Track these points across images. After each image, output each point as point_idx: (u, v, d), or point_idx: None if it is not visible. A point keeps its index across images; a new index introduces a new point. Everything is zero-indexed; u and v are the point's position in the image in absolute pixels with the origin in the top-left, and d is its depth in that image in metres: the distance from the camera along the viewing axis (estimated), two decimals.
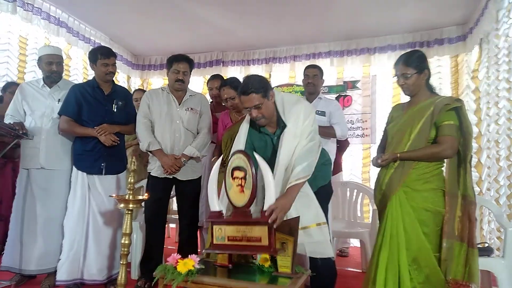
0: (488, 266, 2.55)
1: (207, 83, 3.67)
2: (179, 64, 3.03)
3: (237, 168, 2.09)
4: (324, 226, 2.22)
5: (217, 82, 3.52)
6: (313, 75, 3.61)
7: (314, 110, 2.36)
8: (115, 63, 3.04)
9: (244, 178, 2.06)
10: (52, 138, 2.98)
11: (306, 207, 2.19)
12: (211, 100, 3.73)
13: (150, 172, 3.07)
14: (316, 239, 2.20)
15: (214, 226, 2.09)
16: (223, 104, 3.21)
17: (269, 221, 1.97)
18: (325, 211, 2.51)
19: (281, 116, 2.26)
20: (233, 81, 3.05)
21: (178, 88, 3.07)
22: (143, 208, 3.07)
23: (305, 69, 3.72)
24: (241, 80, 2.59)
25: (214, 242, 2.08)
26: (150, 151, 2.99)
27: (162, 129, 3.03)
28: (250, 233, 2.00)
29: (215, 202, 2.15)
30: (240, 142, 2.37)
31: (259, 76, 2.31)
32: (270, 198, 2.02)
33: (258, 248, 1.97)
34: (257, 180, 2.05)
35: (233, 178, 2.09)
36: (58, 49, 3.13)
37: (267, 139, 2.38)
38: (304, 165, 2.14)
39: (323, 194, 2.43)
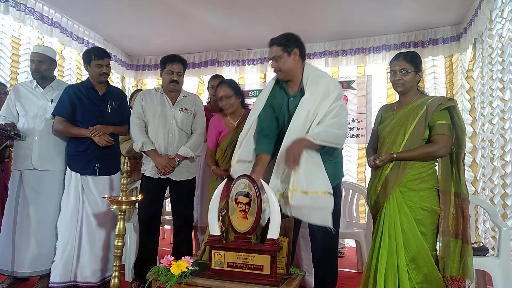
0: (483, 265, 2.55)
1: (209, 81, 3.67)
2: (173, 64, 3.02)
3: (242, 193, 2.07)
4: (329, 196, 2.20)
5: (216, 82, 3.52)
6: None
7: (340, 89, 2.34)
8: (109, 64, 3.03)
9: (249, 204, 2.04)
10: (45, 139, 2.96)
11: (315, 173, 2.20)
12: (208, 99, 3.75)
13: (144, 173, 3.05)
14: (319, 205, 2.19)
15: (213, 251, 2.05)
16: (218, 103, 3.08)
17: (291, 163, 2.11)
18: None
19: (303, 82, 2.31)
20: (231, 81, 3.00)
21: (173, 89, 3.06)
22: (137, 210, 3.05)
23: None
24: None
25: (212, 266, 2.04)
26: (144, 152, 2.98)
27: (156, 129, 3.01)
28: (251, 261, 1.98)
29: (215, 226, 2.11)
30: (263, 97, 2.45)
31: (291, 34, 2.38)
32: (275, 228, 1.98)
33: (259, 276, 1.95)
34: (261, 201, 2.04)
35: (237, 203, 2.07)
36: (42, 48, 3.09)
37: (284, 98, 2.40)
38: (321, 130, 2.18)
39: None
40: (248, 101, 3.19)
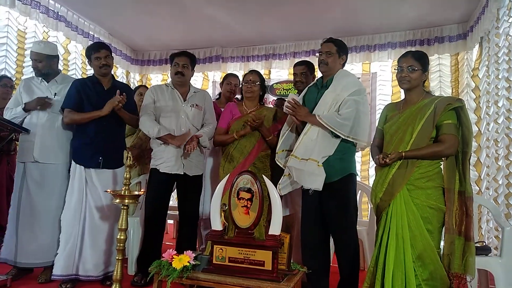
0: (485, 265, 2.56)
1: (225, 77, 3.71)
2: (179, 58, 3.10)
3: (244, 189, 2.10)
4: (321, 168, 2.49)
5: (235, 80, 3.63)
6: (301, 72, 3.33)
7: (360, 86, 2.63)
8: (108, 55, 3.00)
9: (250, 200, 2.06)
10: (48, 132, 2.98)
11: (323, 146, 2.51)
12: (217, 96, 3.82)
13: (155, 168, 3.01)
14: (309, 171, 2.47)
15: (215, 246, 2.06)
16: (243, 85, 3.11)
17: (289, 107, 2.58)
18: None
19: (332, 79, 2.64)
20: (261, 74, 3.15)
21: (178, 81, 3.08)
22: (141, 204, 3.04)
23: (293, 67, 3.54)
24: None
25: (214, 261, 2.05)
26: (161, 138, 2.96)
27: (168, 124, 3.02)
28: (253, 256, 1.99)
29: (217, 221, 2.13)
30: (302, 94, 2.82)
31: (345, 44, 2.77)
32: (276, 223, 2.01)
33: (260, 272, 1.96)
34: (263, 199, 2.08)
35: (239, 199, 2.09)
36: (38, 47, 3.05)
37: (317, 91, 2.71)
38: (327, 114, 2.52)
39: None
40: None
